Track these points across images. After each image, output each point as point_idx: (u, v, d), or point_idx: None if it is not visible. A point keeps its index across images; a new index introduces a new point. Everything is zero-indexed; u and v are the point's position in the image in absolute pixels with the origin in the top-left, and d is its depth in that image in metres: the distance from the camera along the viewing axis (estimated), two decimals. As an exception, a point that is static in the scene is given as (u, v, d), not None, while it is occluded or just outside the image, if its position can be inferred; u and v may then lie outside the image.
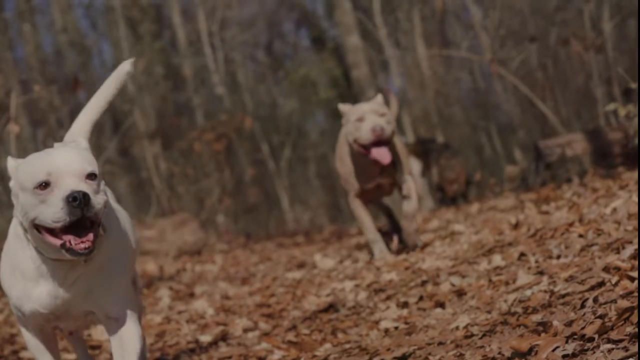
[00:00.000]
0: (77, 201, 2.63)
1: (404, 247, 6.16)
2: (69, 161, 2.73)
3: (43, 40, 18.96)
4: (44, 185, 2.69)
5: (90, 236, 2.68)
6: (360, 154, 5.77)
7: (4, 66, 13.29)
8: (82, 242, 2.67)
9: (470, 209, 8.30)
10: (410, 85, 17.53)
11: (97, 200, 2.70)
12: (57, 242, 2.69)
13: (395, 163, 5.88)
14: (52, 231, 2.70)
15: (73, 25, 18.39)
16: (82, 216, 2.65)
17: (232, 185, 16.75)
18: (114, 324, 2.94)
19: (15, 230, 2.91)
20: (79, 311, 2.93)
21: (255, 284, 6.44)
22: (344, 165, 5.98)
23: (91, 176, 2.74)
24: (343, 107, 5.92)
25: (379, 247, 6.02)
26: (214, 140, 16.03)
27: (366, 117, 5.68)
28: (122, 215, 3.15)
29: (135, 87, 17.42)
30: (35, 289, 2.86)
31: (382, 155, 5.63)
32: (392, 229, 6.67)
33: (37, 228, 2.73)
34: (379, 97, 5.84)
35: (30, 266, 2.84)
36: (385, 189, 6.07)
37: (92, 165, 2.77)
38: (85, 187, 2.70)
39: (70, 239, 2.68)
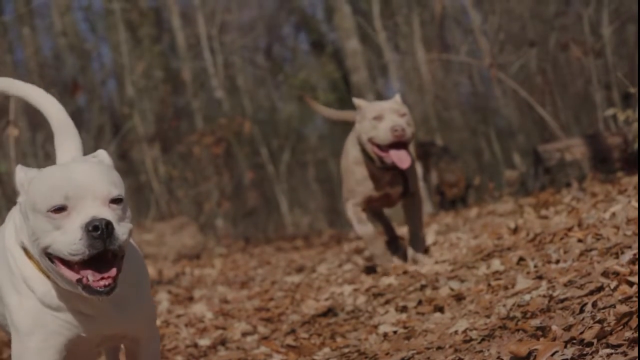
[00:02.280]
0: (99, 231, 2.26)
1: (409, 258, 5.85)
2: (91, 181, 2.33)
3: (42, 43, 18.98)
4: (60, 208, 2.31)
5: (113, 271, 2.30)
6: (371, 159, 5.30)
7: (3, 69, 13.28)
8: (103, 278, 2.29)
9: (470, 213, 8.29)
10: (409, 90, 17.52)
11: (122, 230, 2.32)
12: (74, 276, 2.32)
13: (407, 173, 5.43)
14: (67, 262, 2.32)
15: (72, 28, 18.41)
16: (103, 249, 2.28)
17: (231, 189, 16.75)
18: (135, 345, 2.59)
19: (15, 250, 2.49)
20: (108, 333, 2.51)
21: (254, 288, 6.44)
22: (351, 172, 5.48)
23: (116, 201, 2.34)
24: (359, 102, 5.39)
25: (385, 259, 5.47)
26: (213, 144, 16.03)
27: (385, 116, 5.18)
28: None
29: (134, 90, 17.43)
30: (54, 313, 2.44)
31: (401, 158, 5.16)
32: (391, 244, 6.29)
33: (50, 257, 2.35)
34: (398, 97, 5.39)
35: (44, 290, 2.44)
36: (392, 200, 5.58)
37: (119, 188, 2.37)
38: (109, 213, 2.31)
39: (89, 275, 2.30)
